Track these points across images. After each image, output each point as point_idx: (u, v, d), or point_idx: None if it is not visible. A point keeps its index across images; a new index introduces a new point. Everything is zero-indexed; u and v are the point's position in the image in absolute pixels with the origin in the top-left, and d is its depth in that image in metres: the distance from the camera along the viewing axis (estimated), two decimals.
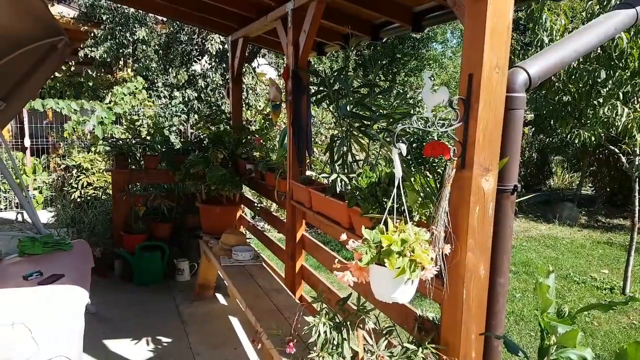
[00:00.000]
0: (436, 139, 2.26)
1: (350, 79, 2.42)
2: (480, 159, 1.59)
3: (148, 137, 5.23)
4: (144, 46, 7.92)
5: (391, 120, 2.42)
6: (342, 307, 1.88)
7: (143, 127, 5.78)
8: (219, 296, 4.52)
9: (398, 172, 1.58)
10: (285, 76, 3.07)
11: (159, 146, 4.82)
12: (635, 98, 4.27)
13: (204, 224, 4.42)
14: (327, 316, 1.78)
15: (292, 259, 3.37)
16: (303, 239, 3.33)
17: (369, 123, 2.49)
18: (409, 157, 2.08)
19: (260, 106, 7.16)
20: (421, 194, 1.98)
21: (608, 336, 4.46)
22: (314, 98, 2.91)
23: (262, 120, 4.82)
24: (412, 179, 2.04)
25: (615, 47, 4.01)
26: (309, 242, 3.28)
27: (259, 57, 8.58)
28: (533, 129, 10.37)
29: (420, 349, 1.82)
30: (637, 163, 4.69)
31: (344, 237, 1.69)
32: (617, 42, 4.05)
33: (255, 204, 4.52)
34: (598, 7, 4.20)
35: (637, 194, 5.27)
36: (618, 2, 1.80)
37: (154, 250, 4.71)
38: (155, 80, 8.04)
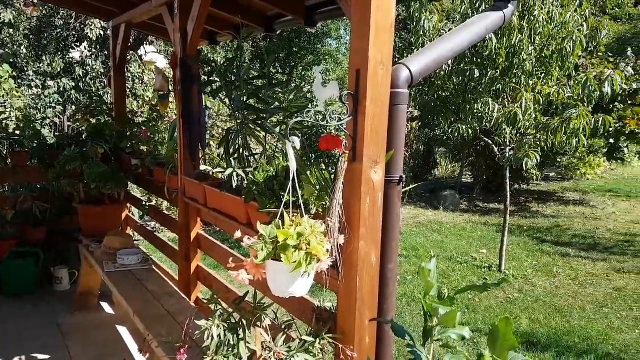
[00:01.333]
0: (334, 132, 2.30)
1: (244, 69, 2.36)
2: (369, 152, 1.64)
3: (17, 132, 4.65)
4: (12, 30, 7.03)
5: (288, 113, 2.40)
6: (239, 306, 1.83)
7: (11, 120, 5.12)
8: (105, 305, 4.19)
9: (292, 165, 1.58)
10: (173, 65, 2.91)
11: (28, 141, 4.31)
12: (505, 95, 4.75)
13: (84, 226, 4.05)
14: (221, 317, 1.72)
15: (186, 259, 3.22)
16: (198, 237, 3.20)
17: (265, 116, 2.45)
18: (306, 151, 2.09)
19: (148, 96, 6.75)
20: (317, 187, 2.01)
21: (488, 311, 4.93)
22: (209, 89, 2.80)
23: (150, 112, 4.53)
24: (309, 172, 2.06)
25: (486, 47, 4.42)
26: (204, 241, 3.16)
27: (147, 44, 8.07)
28: (420, 123, 11.10)
29: (318, 340, 1.84)
30: (507, 154, 5.23)
31: (238, 234, 1.64)
32: (487, 43, 4.47)
33: (144, 203, 4.25)
34: (470, 10, 4.59)
35: (507, 181, 5.89)
36: (489, 5, 1.96)
37: (26, 257, 4.22)
38: (26, 68, 7.19)
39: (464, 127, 4.90)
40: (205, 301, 3.10)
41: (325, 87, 1.51)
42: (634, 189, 12.17)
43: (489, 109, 4.53)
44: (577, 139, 4.40)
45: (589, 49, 6.10)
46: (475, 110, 4.73)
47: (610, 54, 6.10)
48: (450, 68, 4.69)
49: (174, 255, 3.63)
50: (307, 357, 1.79)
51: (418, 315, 4.70)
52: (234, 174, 2.21)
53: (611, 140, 9.18)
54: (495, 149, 5.50)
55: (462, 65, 4.68)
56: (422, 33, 4.61)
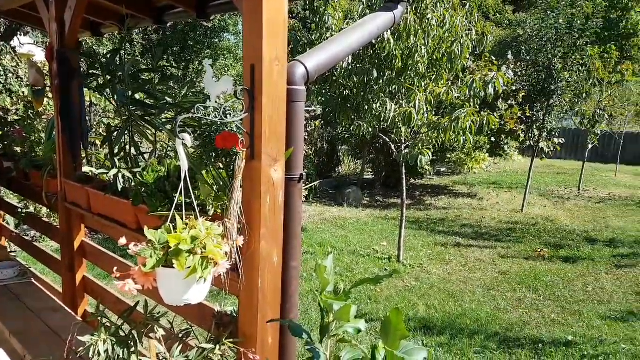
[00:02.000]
0: (235, 130, 2.22)
1: (129, 62, 2.18)
2: (268, 149, 1.60)
3: None
4: None
5: (179, 109, 2.27)
6: (128, 318, 1.69)
7: None
8: None
9: (184, 164, 1.48)
10: (48, 57, 2.62)
11: None
12: (400, 95, 4.98)
13: None
14: (108, 331, 1.57)
15: (70, 270, 2.92)
16: (83, 246, 2.92)
17: (155, 112, 2.30)
18: (206, 149, 1.99)
19: (24, 92, 6.07)
20: (215, 187, 1.92)
21: (389, 300, 5.15)
22: (95, 84, 2.56)
23: (25, 109, 4.06)
24: (204, 172, 1.96)
25: (384, 49, 4.59)
26: (91, 250, 2.89)
27: (22, 35, 7.25)
28: (322, 121, 11.30)
29: (218, 346, 1.76)
30: (403, 151, 5.49)
31: (122, 241, 1.50)
32: (386, 44, 4.65)
33: (20, 210, 3.79)
34: (369, 11, 4.74)
35: (404, 177, 6.20)
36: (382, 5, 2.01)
37: None
38: None
39: (364, 125, 5.07)
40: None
41: (217, 82, 1.44)
42: (514, 181, 13.51)
43: (386, 109, 4.72)
44: (464, 137, 4.75)
45: (475, 52, 6.63)
46: (373, 110, 4.90)
47: (493, 57, 6.68)
48: (350, 67, 4.81)
49: (57, 265, 3.28)
50: None
51: None
52: (120, 174, 2.04)
53: (493, 138, 10.11)
54: (392, 147, 5.75)
55: (361, 64, 4.82)
56: (325, 30, 4.67)
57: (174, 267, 1.44)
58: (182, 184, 1.49)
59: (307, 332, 1.25)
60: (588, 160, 15.11)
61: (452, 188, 12.57)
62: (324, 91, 5.32)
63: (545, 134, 9.59)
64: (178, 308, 2.08)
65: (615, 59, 10.59)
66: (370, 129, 5.08)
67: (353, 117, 5.34)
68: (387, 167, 11.52)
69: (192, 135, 2.17)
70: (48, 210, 5.32)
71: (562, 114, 10.16)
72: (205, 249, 1.47)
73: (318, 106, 8.90)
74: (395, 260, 6.41)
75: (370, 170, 12.80)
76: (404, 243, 6.53)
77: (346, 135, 10.65)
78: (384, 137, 5.97)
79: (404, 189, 6.21)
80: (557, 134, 10.23)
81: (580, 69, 9.70)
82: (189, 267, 1.44)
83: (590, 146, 12.10)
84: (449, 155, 12.98)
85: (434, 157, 11.65)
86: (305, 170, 10.06)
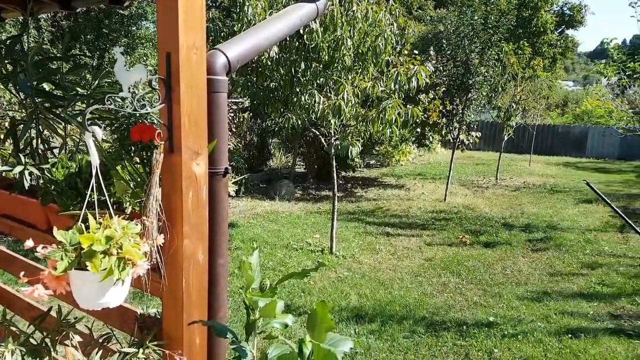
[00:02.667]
0: (155, 122, 2.11)
1: (33, 50, 2.01)
2: (188, 142, 1.53)
3: None
4: None
5: (92, 101, 2.13)
6: (39, 325, 1.56)
7: None
8: None
9: (94, 159, 1.38)
10: None
11: None
12: (328, 88, 5.02)
13: None
14: (16, 341, 1.44)
15: None
16: None
17: (64, 104, 2.13)
18: (125, 143, 1.87)
19: None
20: (132, 184, 1.82)
21: (322, 291, 5.20)
22: None
23: None
24: (120, 167, 1.85)
25: (312, 40, 4.59)
26: (1, 255, 2.65)
27: None
28: (251, 114, 11.15)
29: (141, 350, 1.68)
30: (333, 143, 5.55)
31: (29, 243, 1.38)
32: (314, 36, 4.65)
33: None
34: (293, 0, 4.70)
35: (334, 169, 6.27)
36: None
37: None
38: None
39: (293, 118, 5.06)
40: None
41: (129, 70, 1.35)
42: (438, 172, 14.16)
43: (314, 101, 4.74)
44: (390, 129, 4.88)
45: (398, 47, 6.82)
46: (302, 102, 4.90)
47: (415, 52, 6.92)
48: (277, 57, 4.76)
49: None
50: None
51: None
52: (26, 171, 1.87)
53: (418, 130, 10.50)
54: (323, 139, 5.79)
55: (288, 55, 4.78)
56: (246, 20, 4.58)
57: (88, 270, 1.35)
58: (93, 180, 1.39)
59: (231, 332, 1.22)
60: (505, 151, 16.18)
61: (381, 180, 12.94)
62: (250, 83, 5.23)
63: (465, 127, 10.10)
64: (98, 312, 1.96)
65: (528, 55, 11.37)
66: (300, 122, 5.08)
67: (282, 109, 5.31)
68: (318, 160, 11.61)
69: (110, 128, 2.06)
70: None
71: (479, 108, 10.76)
72: (121, 249, 1.38)
73: (245, 98, 8.74)
74: (328, 252, 6.49)
75: (302, 163, 12.84)
76: (336, 235, 6.63)
77: (276, 128, 10.58)
78: (314, 130, 6.00)
79: (335, 181, 6.30)
80: (475, 127, 10.81)
81: (496, 64, 10.31)
82: (105, 269, 1.35)
83: (506, 138, 12.91)
84: (377, 148, 13.33)
85: (363, 150, 11.91)
86: (233, 164, 9.89)
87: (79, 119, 1.92)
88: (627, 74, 10.82)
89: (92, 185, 1.41)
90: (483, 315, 4.75)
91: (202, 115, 1.55)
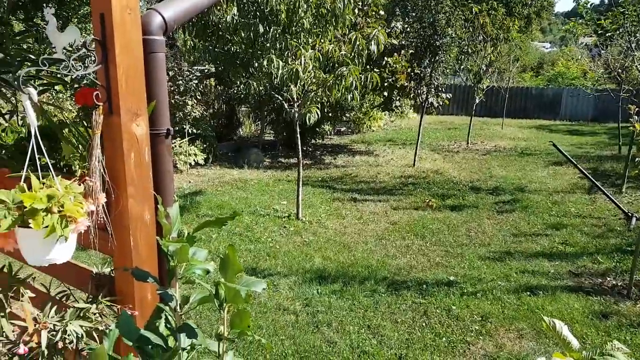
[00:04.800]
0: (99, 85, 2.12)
1: None
2: (127, 103, 1.57)
3: None
4: None
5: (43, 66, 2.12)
6: None
7: None
8: None
9: (32, 121, 1.41)
10: None
11: None
12: (288, 52, 5.00)
13: None
14: None
15: None
16: None
17: (11, 69, 2.13)
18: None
19: None
20: (79, 147, 1.85)
21: (287, 255, 5.33)
22: None
23: None
24: (66, 130, 1.87)
25: (267, 3, 4.52)
26: None
27: None
28: (216, 80, 10.97)
29: (95, 305, 1.76)
30: (293, 110, 5.57)
31: None
32: None
33: None
34: None
35: (298, 136, 6.32)
36: None
37: None
38: None
39: (254, 83, 5.04)
40: None
41: (62, 32, 1.37)
42: (409, 138, 14.31)
43: (274, 66, 4.72)
44: (351, 95, 4.93)
45: (364, 8, 6.77)
46: (264, 67, 4.88)
47: (381, 13, 6.86)
48: (235, 20, 4.67)
49: None
50: (83, 323, 1.70)
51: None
52: None
53: (385, 94, 10.52)
54: (286, 106, 5.81)
55: (246, 19, 4.71)
56: None
57: (30, 227, 1.40)
58: (32, 142, 1.42)
59: (153, 277, 1.31)
60: (477, 115, 16.29)
61: (351, 147, 13.04)
62: (210, 47, 5.16)
63: (433, 89, 10.14)
64: (56, 271, 2.02)
65: (501, 15, 11.37)
66: (261, 88, 5.07)
67: (244, 74, 5.27)
68: (287, 128, 11.59)
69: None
70: None
71: (447, 70, 10.80)
72: (63, 207, 1.43)
73: (209, 64, 8.58)
74: (294, 218, 6.61)
75: (272, 131, 12.81)
76: (303, 201, 6.74)
77: (241, 95, 10.44)
78: (276, 96, 6.00)
79: (299, 148, 6.35)
80: (444, 90, 10.87)
81: (465, 24, 10.29)
82: (47, 226, 1.40)
83: (477, 101, 13.02)
84: (347, 115, 13.35)
85: (332, 116, 11.91)
86: (200, 132, 9.80)
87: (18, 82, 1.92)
88: (598, 32, 10.89)
89: (33, 146, 1.45)
90: (444, 275, 4.91)
91: (139, 76, 1.58)
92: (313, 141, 12.85)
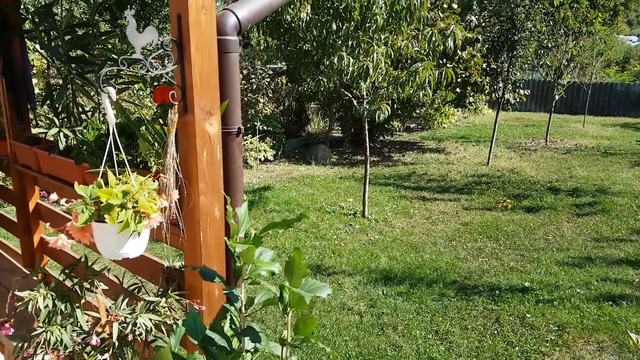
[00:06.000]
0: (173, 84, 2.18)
1: (66, 18, 2.10)
2: (201, 102, 1.59)
3: None
4: None
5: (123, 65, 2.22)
6: (70, 274, 1.71)
7: None
8: None
9: (111, 119, 1.46)
10: None
11: None
12: (360, 49, 4.93)
13: None
14: (47, 286, 1.60)
15: (27, 232, 2.92)
16: (38, 208, 2.90)
17: (94, 69, 2.24)
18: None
19: None
20: (155, 143, 1.91)
21: (352, 253, 5.29)
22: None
23: None
24: (143, 128, 1.94)
25: (342, 1, 4.49)
26: (46, 212, 2.88)
27: None
28: (287, 78, 11.12)
29: (164, 299, 1.81)
30: (363, 106, 5.50)
31: (54, 196, 1.51)
32: None
33: None
34: None
35: (366, 133, 6.24)
36: None
37: None
38: None
39: (323, 80, 5.03)
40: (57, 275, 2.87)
41: (142, 32, 1.41)
42: (482, 135, 13.71)
43: (344, 63, 4.68)
44: (423, 91, 4.77)
45: (437, 2, 6.54)
46: (334, 64, 4.86)
47: (455, 6, 6.59)
48: (308, 18, 4.69)
49: (15, 228, 3.27)
50: (153, 317, 1.76)
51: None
52: (61, 134, 2.00)
53: (458, 90, 10.14)
54: (355, 102, 5.75)
55: (319, 16, 4.71)
56: None
57: (106, 222, 1.46)
58: (110, 139, 1.48)
59: (220, 277, 1.31)
60: (557, 111, 15.29)
61: (420, 144, 12.71)
62: (283, 46, 5.20)
63: (510, 85, 9.65)
64: (130, 265, 2.12)
65: (585, 7, 10.57)
66: (331, 84, 5.04)
67: (314, 71, 5.27)
68: (355, 124, 11.51)
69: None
70: (3, 174, 5.21)
71: (525, 65, 10.21)
72: (137, 203, 1.48)
73: (281, 62, 8.71)
74: (360, 216, 6.54)
75: (340, 128, 12.79)
76: (369, 199, 6.65)
77: (310, 92, 10.50)
78: (346, 93, 5.95)
79: (367, 145, 6.27)
80: (521, 85, 10.31)
81: (545, 18, 9.67)
82: (121, 222, 1.45)
83: (557, 97, 12.23)
84: (417, 111, 13.02)
85: (402, 113, 11.67)
86: (270, 129, 9.99)
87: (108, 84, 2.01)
88: None
89: (110, 143, 1.50)
90: (518, 280, 4.67)
91: (213, 76, 1.59)
92: (381, 138, 12.68)
